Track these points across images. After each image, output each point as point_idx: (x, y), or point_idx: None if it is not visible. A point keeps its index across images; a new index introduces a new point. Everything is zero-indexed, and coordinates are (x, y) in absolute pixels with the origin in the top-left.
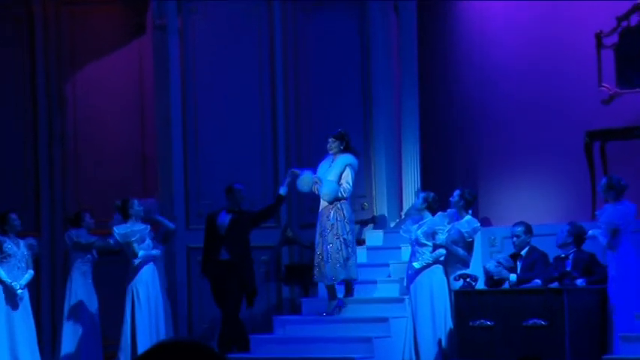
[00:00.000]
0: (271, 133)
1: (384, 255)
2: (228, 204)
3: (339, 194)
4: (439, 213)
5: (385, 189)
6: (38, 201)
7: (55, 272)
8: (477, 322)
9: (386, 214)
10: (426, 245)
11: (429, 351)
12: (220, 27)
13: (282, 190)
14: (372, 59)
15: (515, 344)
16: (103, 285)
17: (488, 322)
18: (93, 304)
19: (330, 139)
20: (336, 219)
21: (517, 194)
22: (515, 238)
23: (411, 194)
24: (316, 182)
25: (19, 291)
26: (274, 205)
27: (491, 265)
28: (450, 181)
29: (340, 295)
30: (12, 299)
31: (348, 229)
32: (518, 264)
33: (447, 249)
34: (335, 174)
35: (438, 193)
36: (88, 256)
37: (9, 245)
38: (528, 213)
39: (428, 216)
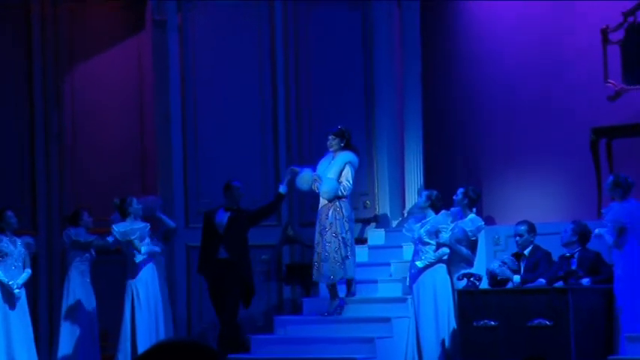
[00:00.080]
0: (272, 130)
1: (385, 254)
2: (226, 202)
3: (339, 192)
4: (442, 211)
5: (387, 187)
6: (35, 199)
7: (53, 271)
8: (481, 322)
9: (388, 213)
10: (429, 244)
11: (431, 351)
12: (220, 23)
13: (282, 189)
14: (374, 56)
15: (520, 345)
16: (101, 284)
17: (492, 323)
18: (91, 304)
19: (330, 137)
20: (335, 217)
21: (521, 192)
22: (518, 238)
23: (413, 193)
24: (316, 180)
25: (17, 290)
26: (274, 203)
27: (494, 265)
28: (453, 179)
29: (342, 294)
30: (9, 299)
31: (346, 228)
32: (522, 264)
33: (450, 248)
34: (335, 172)
35: (441, 191)
36: (87, 255)
37: (5, 244)
38: (533, 211)
39: (431, 214)
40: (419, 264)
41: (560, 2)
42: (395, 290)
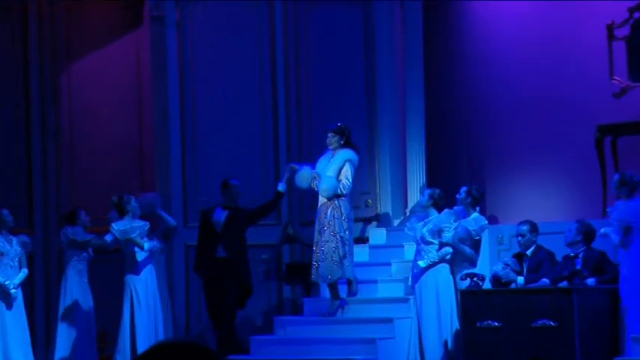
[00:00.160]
0: (272, 128)
1: (386, 254)
2: (223, 200)
3: (339, 191)
4: (445, 210)
5: (389, 186)
6: (31, 197)
7: (49, 271)
8: (484, 323)
9: (390, 212)
10: (431, 243)
11: (434, 353)
12: (219, 19)
13: (281, 187)
14: (376, 55)
15: (524, 346)
16: (99, 284)
17: (496, 323)
18: (88, 304)
19: (329, 134)
20: (333, 216)
21: (525, 191)
22: (520, 238)
23: (415, 192)
24: (315, 178)
25: (13, 290)
26: (272, 201)
27: (498, 268)
28: (455, 178)
29: (343, 294)
30: (5, 299)
31: (345, 227)
32: (524, 265)
33: (453, 247)
34: (334, 169)
35: (443, 190)
36: (84, 254)
37: (1, 243)
38: (537, 210)
39: (434, 213)
40: (421, 264)
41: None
42: (397, 290)
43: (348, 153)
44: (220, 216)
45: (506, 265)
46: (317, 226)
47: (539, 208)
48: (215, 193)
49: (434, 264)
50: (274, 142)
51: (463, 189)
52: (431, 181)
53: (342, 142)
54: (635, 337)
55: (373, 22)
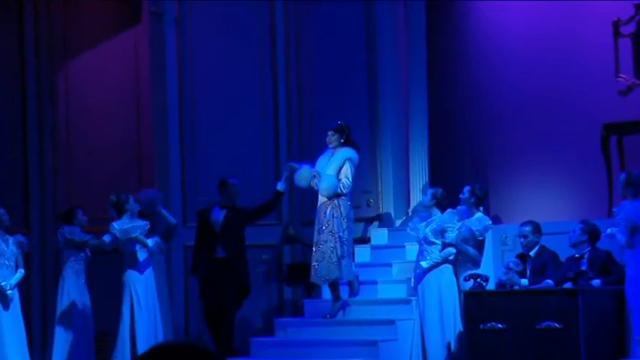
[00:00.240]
0: (272, 127)
1: (387, 254)
2: (221, 199)
3: (339, 190)
4: (448, 210)
5: (392, 186)
6: (28, 196)
7: (46, 271)
8: (488, 325)
9: (392, 212)
10: (434, 244)
11: (437, 355)
12: (219, 15)
13: (280, 186)
14: (378, 55)
15: (528, 348)
16: (97, 284)
17: (500, 325)
18: (86, 305)
19: (329, 132)
20: (333, 215)
21: (529, 191)
22: (522, 239)
23: (418, 192)
24: (315, 176)
25: (9, 291)
26: (272, 201)
27: (500, 274)
28: (459, 178)
29: (345, 295)
30: (1, 299)
31: (344, 227)
32: (527, 266)
33: (456, 248)
34: (334, 168)
35: (446, 190)
36: (82, 254)
37: None
38: (541, 210)
39: (437, 213)
40: (424, 264)
41: None
42: (399, 291)
43: (348, 152)
44: (218, 216)
45: (508, 268)
46: (316, 226)
47: (544, 208)
48: (214, 192)
49: (437, 265)
50: (274, 142)
51: (466, 189)
52: (434, 181)
53: (341, 141)
54: None
55: (375, 22)
